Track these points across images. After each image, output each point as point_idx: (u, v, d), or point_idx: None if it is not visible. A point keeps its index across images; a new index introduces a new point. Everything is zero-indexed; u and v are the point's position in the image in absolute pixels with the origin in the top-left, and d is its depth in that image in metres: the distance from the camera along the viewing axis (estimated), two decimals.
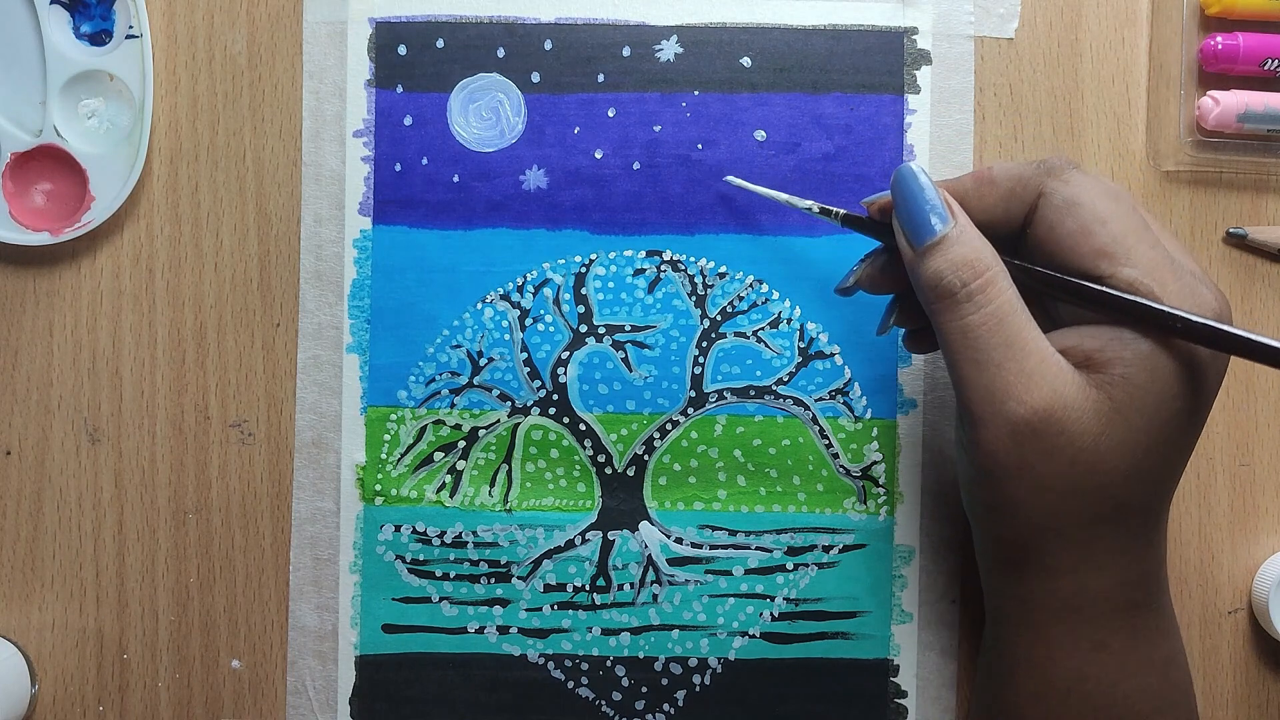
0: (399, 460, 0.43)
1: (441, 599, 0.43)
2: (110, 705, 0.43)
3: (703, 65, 0.43)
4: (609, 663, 0.43)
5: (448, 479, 0.43)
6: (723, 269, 0.43)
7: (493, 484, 0.43)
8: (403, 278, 0.43)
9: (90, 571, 0.43)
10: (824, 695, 0.43)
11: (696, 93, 0.43)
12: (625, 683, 0.43)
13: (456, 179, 0.43)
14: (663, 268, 0.43)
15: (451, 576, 0.43)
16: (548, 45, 0.43)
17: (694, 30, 0.43)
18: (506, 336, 0.43)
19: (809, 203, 0.40)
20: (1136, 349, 0.33)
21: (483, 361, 0.43)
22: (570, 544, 0.43)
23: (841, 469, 0.43)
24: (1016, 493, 0.34)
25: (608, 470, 0.43)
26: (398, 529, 0.43)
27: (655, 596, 0.43)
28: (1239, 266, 0.44)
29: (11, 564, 0.43)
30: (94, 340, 0.43)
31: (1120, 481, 0.33)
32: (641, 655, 0.43)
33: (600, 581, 0.43)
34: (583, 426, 0.43)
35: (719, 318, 0.43)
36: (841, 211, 0.39)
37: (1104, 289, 0.33)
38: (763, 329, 0.43)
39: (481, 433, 0.43)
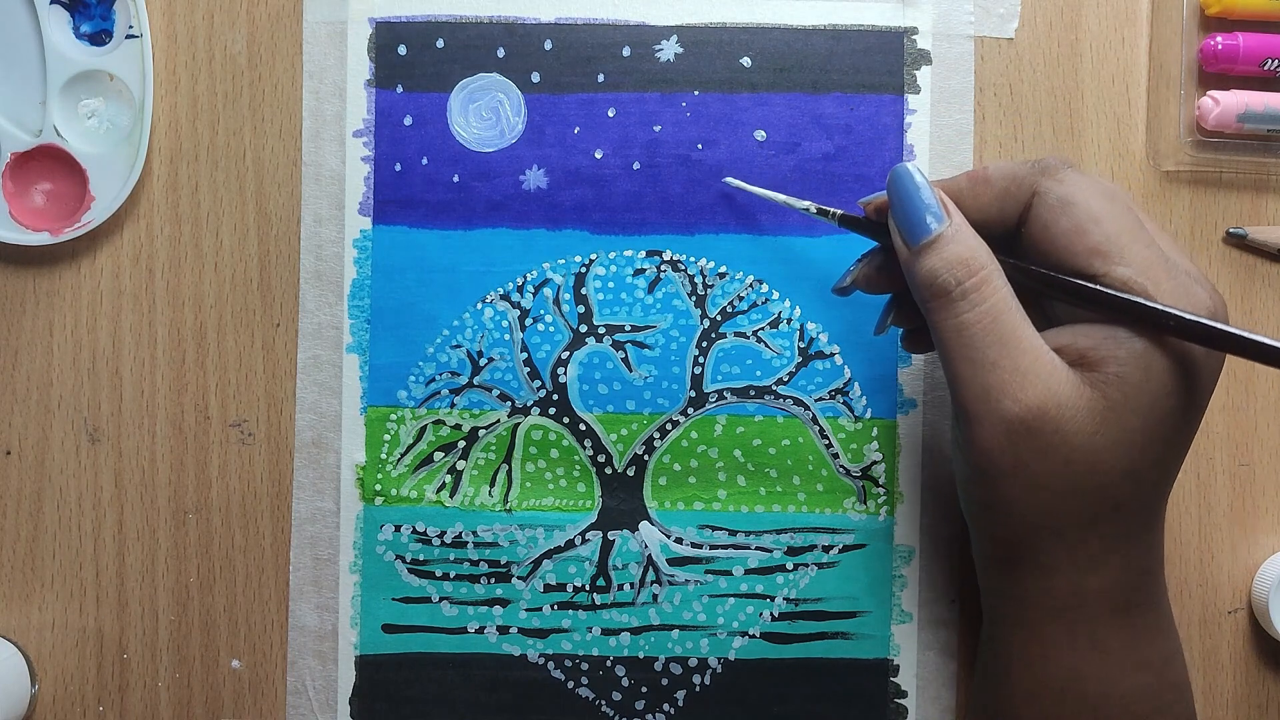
0: (399, 460, 0.43)
1: (441, 599, 0.43)
2: (110, 705, 0.43)
3: (703, 65, 0.43)
4: (609, 663, 0.43)
5: (448, 479, 0.43)
6: (723, 269, 0.43)
7: (493, 484, 0.43)
8: (403, 278, 0.43)
9: (90, 571, 0.43)
10: (824, 695, 0.43)
11: (696, 93, 0.43)
12: (625, 683, 0.43)
13: (456, 179, 0.43)
14: (663, 268, 0.43)
15: (451, 576, 0.43)
16: (548, 45, 0.43)
17: (694, 30, 0.43)
18: (506, 336, 0.43)
19: (806, 203, 0.40)
20: (1130, 347, 0.33)
21: (483, 361, 0.43)
22: (570, 544, 0.43)
23: (841, 469, 0.43)
24: (1011, 491, 0.34)
25: (608, 470, 0.43)
26: (398, 529, 0.43)
27: (655, 596, 0.43)
28: (1239, 266, 0.44)
29: (11, 564, 0.43)
30: (94, 340, 0.43)
31: (1115, 480, 0.33)
32: (641, 655, 0.43)
33: (600, 581, 0.43)
34: (583, 426, 0.43)
35: (719, 318, 0.43)
36: (838, 212, 0.39)
37: (1098, 287, 0.33)
38: (763, 329, 0.43)
39: (481, 433, 0.43)
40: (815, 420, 0.43)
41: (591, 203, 0.43)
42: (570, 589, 0.43)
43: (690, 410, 0.43)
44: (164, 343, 0.43)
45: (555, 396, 0.43)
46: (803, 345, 0.43)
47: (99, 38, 0.43)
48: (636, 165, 0.43)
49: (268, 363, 0.43)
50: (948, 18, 0.43)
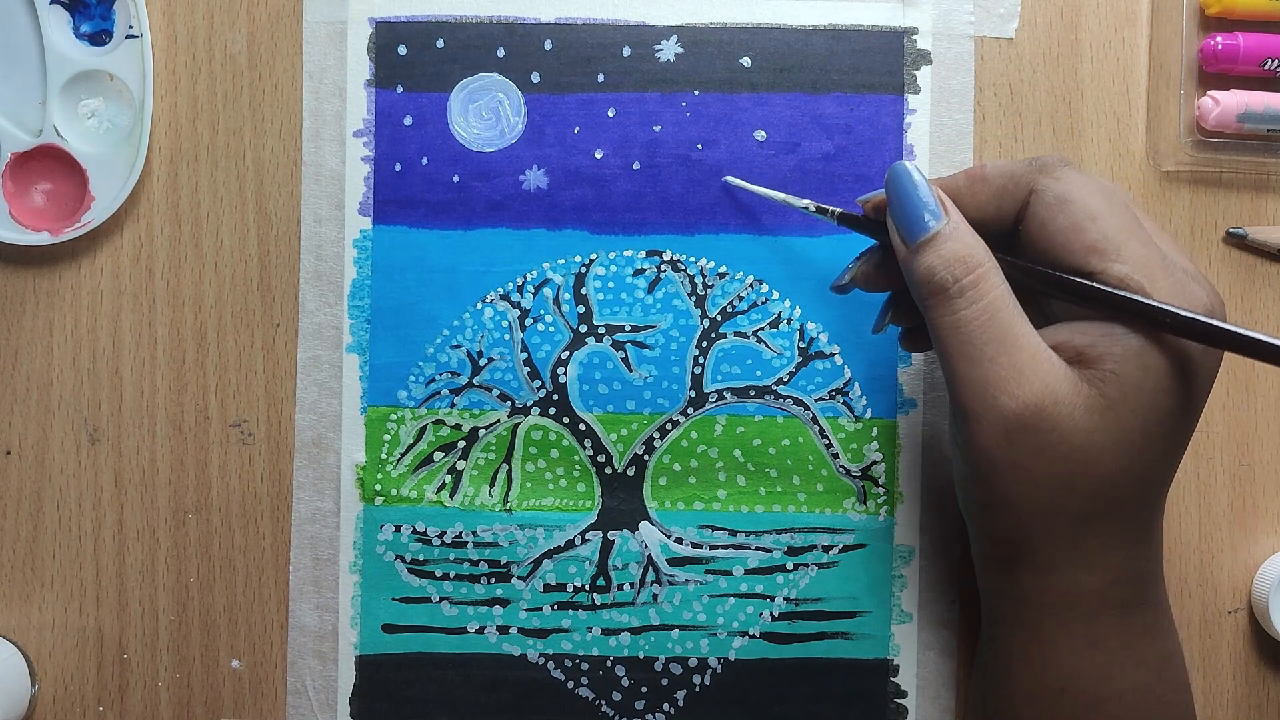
0: (399, 460, 0.43)
1: (441, 599, 0.43)
2: (110, 705, 0.43)
3: (703, 65, 0.43)
4: (609, 663, 0.43)
5: (448, 479, 0.43)
6: (723, 269, 0.43)
7: (493, 484, 0.43)
8: (403, 278, 0.43)
9: (90, 571, 0.43)
10: (824, 695, 0.43)
11: (696, 93, 0.43)
12: (625, 683, 0.43)
13: (456, 179, 0.43)
14: (663, 268, 0.43)
15: (451, 576, 0.43)
16: (548, 45, 0.43)
17: (694, 30, 0.43)
18: (506, 336, 0.43)
19: (805, 201, 0.40)
20: (1127, 344, 0.33)
21: (483, 361, 0.43)
22: (570, 544, 0.43)
23: (841, 469, 0.43)
24: (1009, 490, 0.34)
25: (608, 470, 0.43)
26: (398, 529, 0.43)
27: (655, 596, 0.43)
28: (1239, 266, 0.44)
29: (11, 564, 0.43)
30: (94, 340, 0.43)
31: (1113, 478, 0.33)
32: (641, 655, 0.43)
33: (600, 581, 0.43)
34: (583, 426, 0.43)
35: (719, 318, 0.43)
36: (837, 210, 0.39)
37: (1095, 284, 0.33)
38: (763, 329, 0.43)
39: (481, 433, 0.43)
40: (815, 420, 0.43)
41: (591, 203, 0.43)
42: (570, 589, 0.43)
43: (690, 410, 0.43)
44: (164, 343, 0.43)
45: (555, 396, 0.43)
46: (803, 345, 0.43)
47: (99, 38, 0.43)
48: (636, 165, 0.43)
49: (268, 363, 0.43)
50: (948, 18, 0.43)
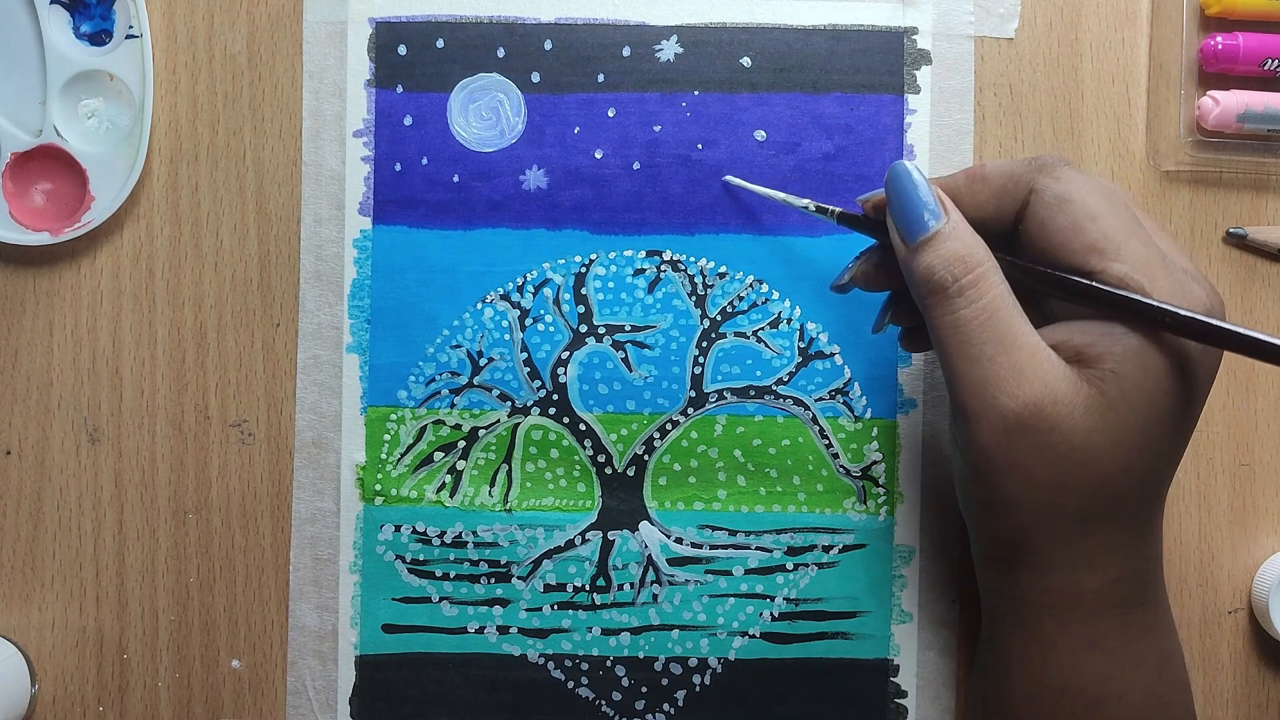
0: (399, 460, 0.43)
1: (441, 599, 0.43)
2: (110, 705, 0.43)
3: (703, 65, 0.43)
4: (609, 663, 0.43)
5: (448, 479, 0.43)
6: (723, 269, 0.43)
7: (493, 484, 0.43)
8: (403, 278, 0.43)
9: (90, 571, 0.43)
10: (824, 695, 0.43)
11: (696, 93, 0.43)
12: (625, 683, 0.43)
13: (456, 179, 0.43)
14: (663, 268, 0.43)
15: (451, 576, 0.43)
16: (548, 45, 0.43)
17: (694, 30, 0.43)
18: (506, 336, 0.43)
19: (805, 201, 0.40)
20: (1127, 344, 0.33)
21: (483, 361, 0.43)
22: (570, 544, 0.43)
23: (841, 469, 0.43)
24: (1008, 489, 0.34)
25: (608, 470, 0.43)
26: (398, 529, 0.43)
27: (655, 596, 0.43)
28: (1239, 266, 0.44)
29: (11, 564, 0.43)
30: (94, 340, 0.43)
31: (1112, 477, 0.33)
32: (641, 655, 0.43)
33: (600, 581, 0.43)
34: (583, 426, 0.43)
35: (719, 318, 0.43)
36: (837, 209, 0.39)
37: (1094, 284, 0.33)
38: (763, 329, 0.43)
39: (481, 433, 0.43)
40: (815, 420, 0.43)
41: (591, 203, 0.43)
42: (570, 589, 0.43)
43: (690, 410, 0.43)
44: (164, 343, 0.43)
45: (555, 396, 0.43)
46: (803, 345, 0.43)
47: (99, 38, 0.43)
48: (636, 165, 0.43)
49: (268, 363, 0.43)
50: (948, 18, 0.43)
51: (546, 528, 0.43)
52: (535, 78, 0.43)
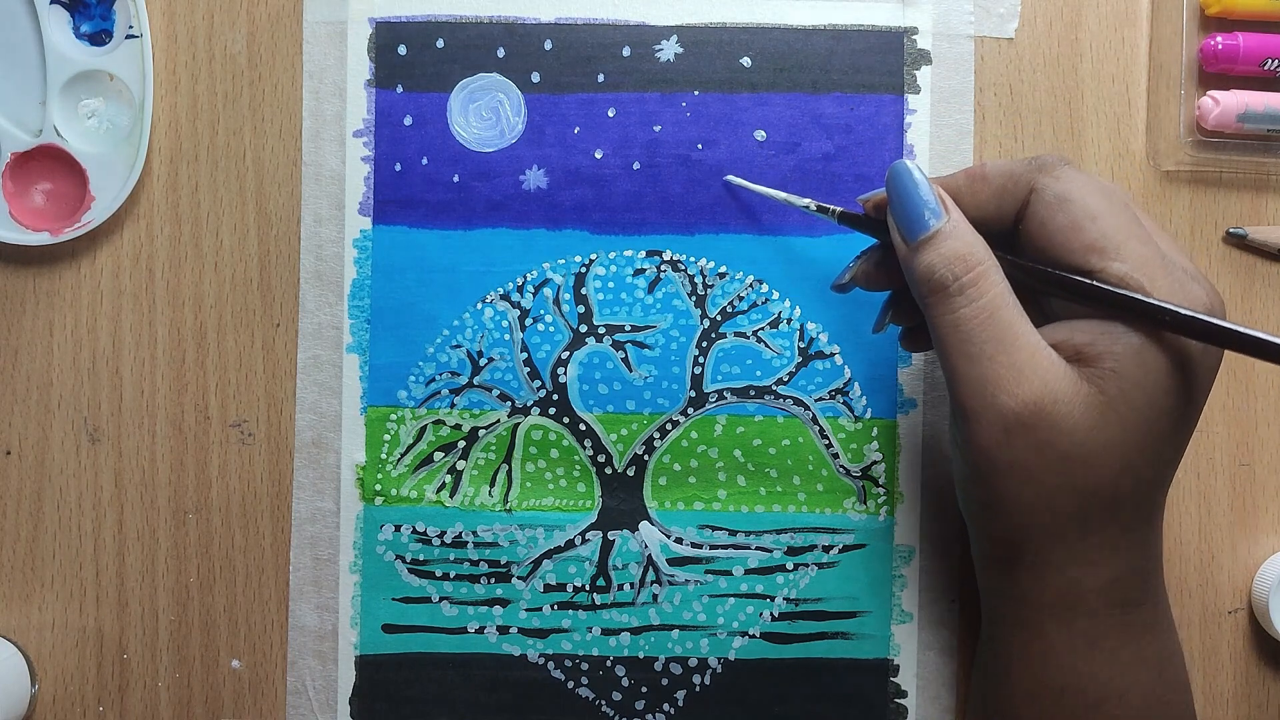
0: (399, 460, 0.43)
1: (441, 599, 0.43)
2: (110, 705, 0.43)
3: (703, 65, 0.43)
4: (609, 663, 0.43)
5: (448, 479, 0.43)
6: (723, 269, 0.43)
7: (493, 484, 0.43)
8: (403, 278, 0.43)
9: (90, 571, 0.43)
10: (824, 695, 0.43)
11: (696, 93, 0.43)
12: (625, 683, 0.43)
13: (456, 179, 0.43)
14: (663, 268, 0.43)
15: (451, 576, 0.43)
16: (548, 45, 0.43)
17: (694, 30, 0.43)
18: (506, 336, 0.43)
19: (806, 200, 0.40)
20: (1127, 343, 0.33)
21: (483, 361, 0.43)
22: (570, 544, 0.43)
23: (841, 469, 0.43)
24: (1009, 489, 0.34)
25: (608, 470, 0.43)
26: (398, 529, 0.43)
27: (655, 596, 0.43)
28: (1239, 266, 0.44)
29: (11, 564, 0.43)
30: (94, 340, 0.43)
31: (1113, 476, 0.33)
32: (641, 655, 0.43)
33: (600, 581, 0.43)
34: (583, 426, 0.43)
35: (719, 318, 0.43)
36: (838, 209, 0.39)
37: (1094, 283, 0.33)
38: (763, 329, 0.43)
39: (481, 433, 0.43)
40: (815, 420, 0.43)
41: (591, 203, 0.43)
42: (570, 589, 0.43)
43: (690, 410, 0.43)
44: (164, 343, 0.43)
45: (555, 396, 0.43)
46: (803, 345, 0.43)
47: (99, 38, 0.43)
48: (636, 165, 0.43)
49: (268, 363, 0.43)
50: (948, 18, 0.43)
51: (546, 528, 0.43)
52: (535, 78, 0.43)
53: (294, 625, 0.43)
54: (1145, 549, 0.35)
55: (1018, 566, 0.35)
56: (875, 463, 0.43)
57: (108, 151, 0.43)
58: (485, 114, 0.43)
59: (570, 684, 0.43)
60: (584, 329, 0.43)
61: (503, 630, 0.43)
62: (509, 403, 0.43)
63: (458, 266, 0.43)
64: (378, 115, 0.43)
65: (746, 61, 0.43)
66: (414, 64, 0.43)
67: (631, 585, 0.43)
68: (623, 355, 0.43)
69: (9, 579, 0.43)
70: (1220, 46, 0.42)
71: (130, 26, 0.42)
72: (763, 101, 0.43)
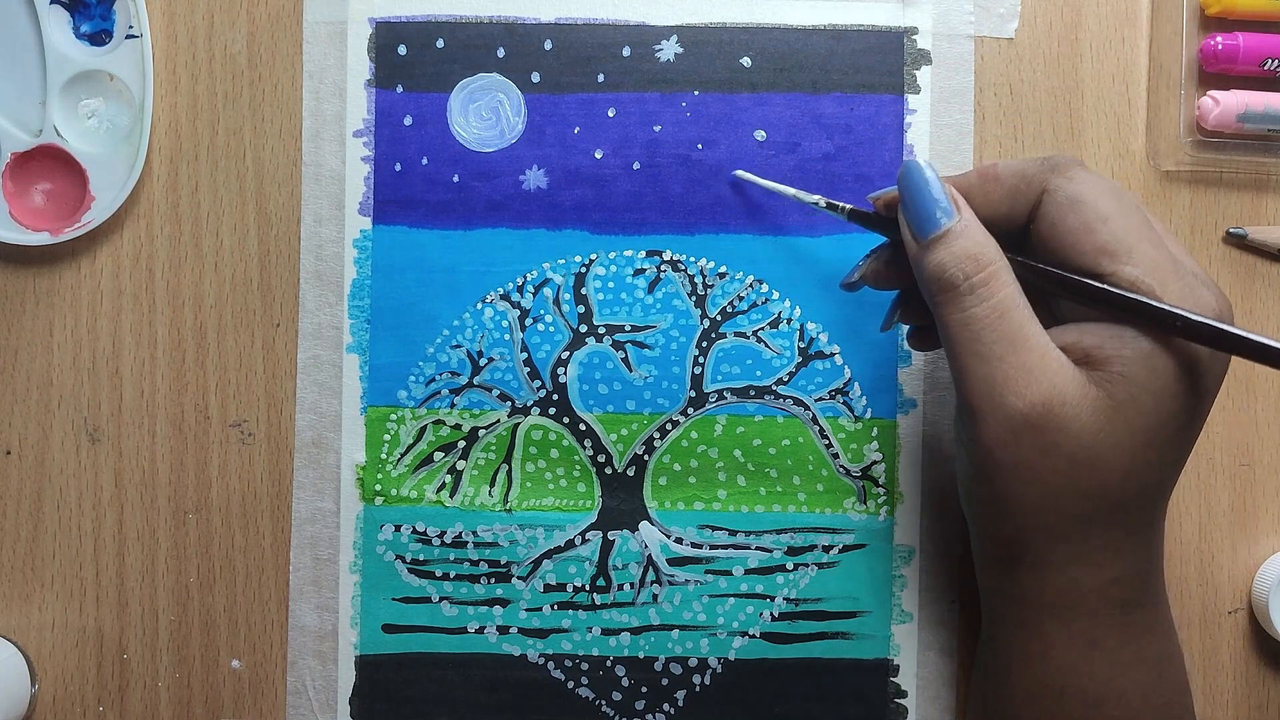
0: (399, 460, 0.43)
1: (441, 599, 0.43)
2: (110, 705, 0.43)
3: (703, 65, 0.43)
4: (609, 663, 0.43)
5: (448, 479, 0.43)
6: (723, 269, 0.43)
7: (493, 484, 0.43)
8: (403, 278, 0.43)
9: (90, 571, 0.43)
10: (824, 695, 0.43)
11: (696, 93, 0.43)
12: (625, 683, 0.43)
13: (456, 179, 0.43)
14: (663, 268, 0.43)
15: (451, 576, 0.43)
16: (548, 45, 0.43)
17: (694, 30, 0.43)
18: (506, 336, 0.43)
19: (816, 197, 0.40)
20: (1136, 347, 0.33)
21: (483, 361, 0.43)
22: (570, 544, 0.43)
23: (841, 469, 0.43)
24: (1013, 489, 0.34)
25: (608, 470, 0.43)
26: (398, 529, 0.43)
27: (655, 596, 0.43)
28: (1239, 266, 0.44)
29: (11, 564, 0.43)
30: (94, 340, 0.43)
31: (1118, 479, 0.33)
32: (641, 655, 0.43)
33: (600, 581, 0.43)
34: (583, 426, 0.43)
35: (719, 318, 0.43)
36: (848, 206, 0.39)
37: (1105, 286, 0.33)
38: (763, 329, 0.43)
39: (481, 433, 0.43)
40: (815, 420, 0.43)
41: (591, 203, 0.43)
42: (570, 589, 0.43)
43: (690, 410, 0.43)
44: (164, 343, 0.43)
45: (555, 396, 0.43)
46: (803, 345, 0.43)
47: (99, 38, 0.43)
48: (636, 165, 0.43)
49: (268, 363, 0.43)
50: (948, 18, 0.43)
51: (546, 528, 0.43)
52: (535, 78, 0.43)
53: (294, 625, 0.43)
54: (1147, 551, 0.35)
55: (1019, 566, 0.35)
56: (875, 463, 0.43)
57: (108, 151, 0.43)
58: (485, 114, 0.43)
59: (570, 684, 0.43)
60: (584, 329, 0.43)
61: (503, 630, 0.43)
62: (509, 403, 0.43)
63: (458, 266, 0.43)
64: (378, 115, 0.43)
65: (746, 61, 0.43)
66: (414, 64, 0.43)
67: (631, 585, 0.43)
68: (623, 355, 0.43)
69: (9, 579, 0.43)
70: (1220, 46, 0.42)
71: (130, 26, 0.42)
72: (763, 101, 0.43)
